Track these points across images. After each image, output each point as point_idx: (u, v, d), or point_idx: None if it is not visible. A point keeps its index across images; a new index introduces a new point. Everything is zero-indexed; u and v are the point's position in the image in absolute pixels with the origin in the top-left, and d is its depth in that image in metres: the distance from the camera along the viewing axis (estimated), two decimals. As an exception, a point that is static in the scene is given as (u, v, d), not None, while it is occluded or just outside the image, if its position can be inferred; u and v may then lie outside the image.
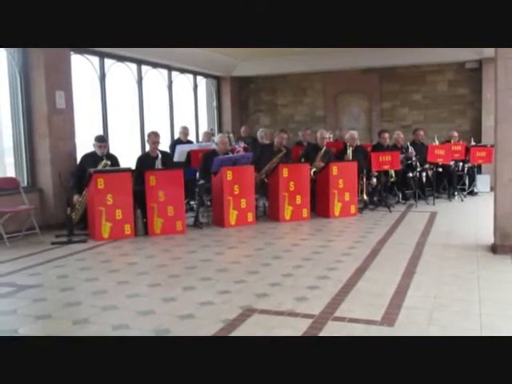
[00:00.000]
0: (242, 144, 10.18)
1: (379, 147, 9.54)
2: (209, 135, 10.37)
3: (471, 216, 8.01)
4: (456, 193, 9.83)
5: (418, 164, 9.34)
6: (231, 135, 10.61)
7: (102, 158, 7.46)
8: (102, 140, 7.65)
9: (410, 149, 9.55)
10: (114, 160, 7.68)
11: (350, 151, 8.80)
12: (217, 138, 8.44)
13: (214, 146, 8.37)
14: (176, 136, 10.69)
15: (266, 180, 8.28)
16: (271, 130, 10.64)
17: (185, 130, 10.26)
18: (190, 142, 10.28)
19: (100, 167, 7.26)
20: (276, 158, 8.29)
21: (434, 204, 9.13)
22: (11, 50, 7.45)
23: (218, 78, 13.12)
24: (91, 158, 7.50)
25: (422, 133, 10.33)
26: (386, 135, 9.70)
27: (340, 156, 8.93)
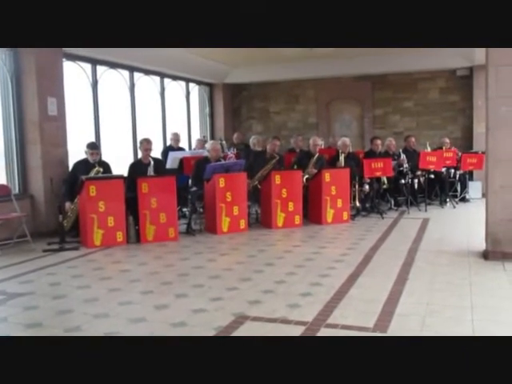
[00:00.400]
0: (233, 150, 10.17)
1: (371, 154, 9.58)
2: (202, 142, 10.35)
3: (463, 222, 8.04)
4: (448, 199, 9.87)
5: (410, 171, 9.38)
6: (224, 142, 10.61)
7: (94, 165, 7.43)
8: (94, 147, 7.62)
9: (402, 156, 9.59)
10: (106, 167, 7.65)
11: (342, 158, 8.82)
12: (208, 144, 8.43)
13: (206, 153, 8.36)
14: (168, 143, 10.68)
15: (258, 186, 8.28)
16: (263, 137, 10.66)
17: (176, 137, 10.23)
18: (181, 149, 10.27)
19: (92, 174, 7.23)
20: (269, 165, 8.30)
21: (426, 211, 9.15)
22: (2, 55, 7.43)
23: (210, 85, 13.14)
24: (83, 166, 7.47)
25: (413, 139, 10.40)
26: (379, 142, 9.75)
27: (332, 163, 8.95)
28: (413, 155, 9.79)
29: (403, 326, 3.75)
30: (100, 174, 7.29)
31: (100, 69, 9.30)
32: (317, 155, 8.75)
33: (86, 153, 7.57)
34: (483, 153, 7.67)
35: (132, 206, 7.02)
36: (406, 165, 9.41)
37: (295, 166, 8.66)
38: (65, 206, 7.26)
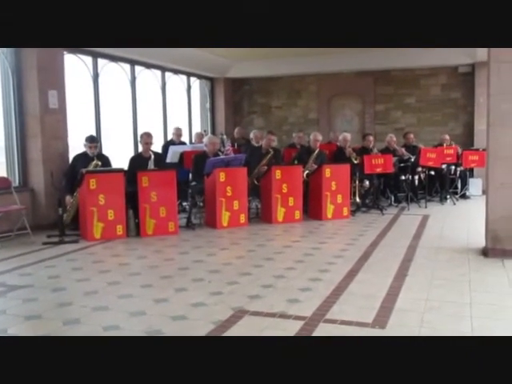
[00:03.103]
0: (230, 144, 10.09)
1: (364, 150, 9.50)
2: (201, 136, 10.32)
3: (463, 219, 8.03)
4: (448, 196, 9.87)
5: (412, 164, 9.40)
6: (224, 137, 10.56)
7: (92, 158, 7.42)
8: (92, 140, 7.60)
9: (398, 148, 9.67)
10: (105, 160, 7.66)
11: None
12: (206, 139, 8.41)
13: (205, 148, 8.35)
14: (169, 137, 10.67)
15: (256, 183, 8.27)
16: (261, 132, 10.63)
17: (178, 131, 10.23)
18: (183, 143, 10.26)
19: (91, 168, 7.21)
20: (264, 160, 8.31)
21: (426, 207, 9.15)
22: (4, 49, 7.40)
23: (211, 80, 13.10)
24: (82, 159, 7.47)
25: (411, 136, 10.51)
26: (371, 138, 9.72)
27: (340, 158, 8.95)
28: (413, 151, 9.80)
29: (402, 321, 3.75)
30: (99, 167, 7.29)
31: (101, 62, 9.28)
32: (317, 151, 8.75)
33: (84, 146, 7.56)
34: (484, 150, 7.67)
35: (132, 199, 7.01)
36: (406, 154, 9.49)
37: (296, 162, 8.66)
38: (65, 200, 7.26)
